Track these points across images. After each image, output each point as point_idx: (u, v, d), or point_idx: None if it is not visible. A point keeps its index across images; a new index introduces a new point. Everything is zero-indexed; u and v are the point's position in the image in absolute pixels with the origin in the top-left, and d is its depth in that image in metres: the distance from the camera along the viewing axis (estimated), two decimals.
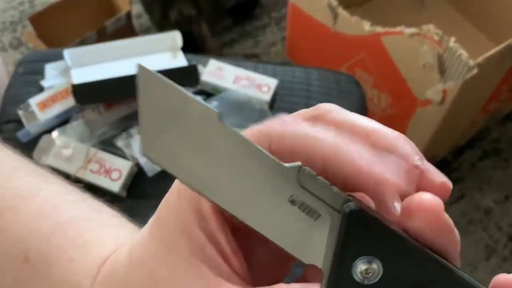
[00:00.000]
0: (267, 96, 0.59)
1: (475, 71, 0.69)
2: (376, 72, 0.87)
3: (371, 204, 0.18)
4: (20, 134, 0.55)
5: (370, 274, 0.16)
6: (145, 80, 0.17)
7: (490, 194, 1.00)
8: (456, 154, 1.04)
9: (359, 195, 0.18)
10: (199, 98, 0.18)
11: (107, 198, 0.53)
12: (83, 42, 0.98)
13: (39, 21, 1.02)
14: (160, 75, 0.17)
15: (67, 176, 0.54)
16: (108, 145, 0.55)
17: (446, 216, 0.16)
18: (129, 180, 0.54)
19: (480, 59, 0.69)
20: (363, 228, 0.16)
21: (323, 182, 0.17)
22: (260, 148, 0.17)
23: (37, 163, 0.26)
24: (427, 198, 0.16)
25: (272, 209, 0.17)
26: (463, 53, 0.68)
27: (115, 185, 0.52)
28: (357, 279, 0.16)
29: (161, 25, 1.08)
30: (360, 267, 0.16)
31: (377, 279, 0.16)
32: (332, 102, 0.65)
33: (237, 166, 0.17)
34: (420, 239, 0.16)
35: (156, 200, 0.61)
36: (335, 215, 0.17)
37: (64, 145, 0.54)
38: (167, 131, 0.17)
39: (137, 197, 0.53)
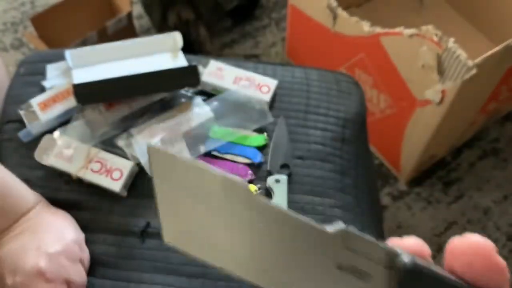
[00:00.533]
0: (267, 97, 0.59)
1: (474, 71, 0.69)
2: (376, 73, 0.87)
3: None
4: (21, 134, 0.55)
5: None
6: (157, 161, 0.15)
7: (489, 194, 1.00)
8: (455, 154, 1.05)
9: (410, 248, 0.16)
10: (220, 171, 0.15)
11: (108, 197, 0.53)
12: (84, 42, 0.99)
13: (40, 21, 1.02)
14: (173, 153, 0.15)
15: (68, 176, 0.54)
16: (109, 145, 0.56)
17: (499, 257, 0.16)
18: (130, 179, 0.54)
19: (479, 59, 0.69)
20: (421, 283, 0.15)
21: (371, 241, 0.15)
22: (300, 216, 0.15)
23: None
24: (477, 239, 0.15)
25: (321, 281, 0.15)
26: (462, 54, 0.68)
27: (116, 185, 0.52)
28: None
29: (160, 28, 1.09)
30: None
31: None
32: (331, 102, 0.66)
33: (277, 241, 0.15)
34: (471, 281, 0.15)
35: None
36: (388, 272, 0.15)
37: (65, 145, 0.54)
38: (190, 212, 0.15)
39: (138, 196, 0.54)
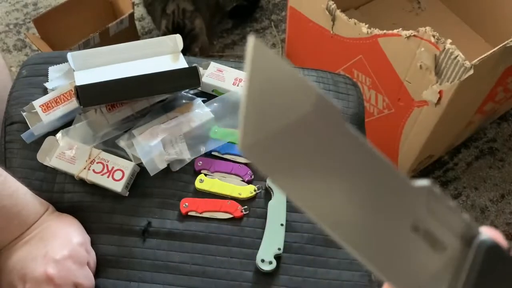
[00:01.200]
0: None
1: (471, 72, 0.70)
2: (374, 74, 0.88)
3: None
4: (24, 136, 0.56)
5: None
6: (257, 55, 0.13)
7: (486, 193, 1.01)
8: (452, 154, 1.05)
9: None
10: (322, 92, 0.13)
11: (110, 197, 0.54)
12: (86, 44, 0.99)
13: (43, 23, 1.02)
14: (276, 55, 0.13)
15: (70, 177, 0.54)
16: (110, 146, 0.56)
17: None
18: (131, 180, 0.55)
19: (476, 60, 0.70)
20: (500, 265, 0.13)
21: (454, 207, 0.14)
22: (387, 160, 0.14)
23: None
24: None
25: (391, 236, 0.14)
26: (460, 55, 0.69)
27: (117, 185, 0.53)
28: None
29: (160, 18, 1.09)
30: None
31: None
32: None
33: (356, 179, 0.13)
34: None
35: (158, 199, 0.62)
36: (463, 250, 0.14)
37: (67, 146, 0.55)
38: (275, 126, 0.13)
39: (139, 196, 0.54)
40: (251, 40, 0.13)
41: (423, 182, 0.14)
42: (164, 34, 1.01)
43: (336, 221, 0.13)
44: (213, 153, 0.57)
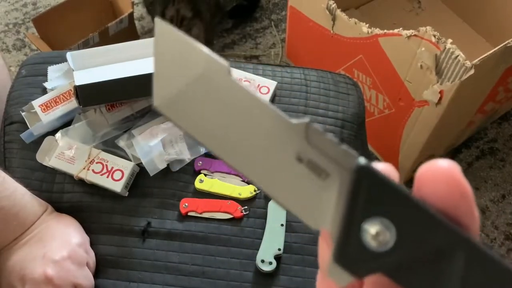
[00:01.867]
0: (266, 97, 0.59)
1: (471, 72, 0.69)
2: (374, 73, 0.87)
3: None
4: (23, 136, 0.56)
5: (381, 238, 0.15)
6: (161, 32, 0.17)
7: (486, 194, 1.00)
8: (453, 154, 1.05)
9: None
10: (211, 52, 0.16)
11: (109, 197, 0.54)
12: (86, 43, 0.99)
13: (42, 23, 1.02)
14: (176, 29, 0.17)
15: (70, 177, 0.54)
16: (110, 146, 0.56)
17: (465, 180, 0.15)
18: (131, 180, 0.54)
19: (476, 60, 0.69)
20: (373, 186, 0.15)
21: (331, 139, 0.16)
22: (268, 103, 0.16)
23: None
24: (443, 162, 0.15)
25: (279, 167, 0.16)
26: (460, 55, 0.69)
27: (117, 185, 0.53)
28: (368, 245, 0.15)
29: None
30: (371, 230, 0.15)
31: (390, 246, 0.15)
32: (330, 103, 0.67)
33: (245, 120, 0.16)
34: (437, 206, 0.15)
35: (157, 199, 0.62)
36: (344, 173, 0.15)
37: (66, 146, 0.54)
38: (179, 84, 0.17)
39: (139, 196, 0.54)
40: (157, 21, 0.17)
41: (302, 120, 0.16)
42: None
43: (231, 151, 0.16)
44: None
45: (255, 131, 0.16)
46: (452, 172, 0.15)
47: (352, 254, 0.15)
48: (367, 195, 0.15)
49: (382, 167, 0.16)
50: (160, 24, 0.17)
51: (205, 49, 0.16)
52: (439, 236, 0.14)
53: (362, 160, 0.15)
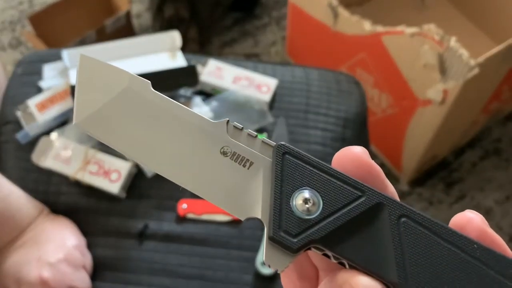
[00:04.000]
0: (266, 97, 0.58)
1: (476, 71, 0.68)
2: (377, 72, 0.86)
3: None
4: (19, 136, 0.55)
5: (310, 204, 0.16)
6: (84, 64, 0.18)
7: (491, 194, 0.99)
8: (457, 154, 1.04)
9: None
10: (129, 71, 0.18)
11: (106, 199, 0.53)
12: (83, 41, 0.98)
13: (39, 20, 1.01)
14: (99, 60, 0.18)
15: (66, 178, 0.53)
16: (107, 146, 0.55)
17: (372, 161, 0.17)
18: (128, 181, 0.53)
19: (481, 58, 0.69)
20: (294, 161, 0.17)
21: (250, 133, 0.18)
22: (189, 109, 0.18)
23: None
24: (352, 148, 0.17)
25: (206, 165, 0.17)
26: (464, 53, 0.68)
27: (114, 187, 0.52)
28: (298, 213, 0.16)
29: (156, 17, 1.08)
30: (299, 200, 0.16)
31: (318, 211, 0.16)
32: (332, 102, 0.65)
33: (171, 127, 0.18)
34: None
35: (155, 201, 0.61)
36: (266, 158, 0.17)
37: (63, 147, 0.54)
38: (100, 102, 0.18)
39: (136, 198, 0.53)
40: (82, 56, 0.18)
41: (222, 120, 0.18)
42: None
43: (158, 160, 0.17)
44: None
45: (181, 136, 0.18)
46: (360, 156, 0.17)
47: (285, 226, 0.16)
48: (290, 169, 0.17)
49: (358, 149, 0.18)
50: (84, 58, 0.18)
51: (128, 71, 0.18)
52: (360, 198, 0.16)
53: (281, 143, 0.17)
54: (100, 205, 0.53)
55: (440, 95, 0.75)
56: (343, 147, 0.17)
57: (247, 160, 0.17)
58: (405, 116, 0.86)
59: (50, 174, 0.54)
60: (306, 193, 0.16)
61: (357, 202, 0.16)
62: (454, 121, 0.84)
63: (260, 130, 0.57)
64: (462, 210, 0.16)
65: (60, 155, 0.53)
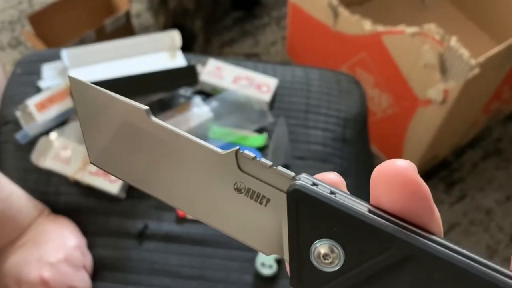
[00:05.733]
0: (267, 97, 0.58)
1: (476, 70, 0.68)
2: (377, 72, 0.86)
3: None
4: (18, 136, 0.55)
5: (329, 260, 0.15)
6: (76, 89, 0.17)
7: (491, 195, 0.99)
8: (457, 154, 1.04)
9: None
10: (126, 99, 0.17)
11: (106, 199, 0.53)
12: (82, 41, 0.98)
13: (38, 20, 1.01)
14: (89, 83, 0.17)
15: (66, 178, 0.53)
16: None
17: (420, 180, 0.14)
18: None
19: (481, 58, 0.68)
20: (312, 208, 0.15)
21: (263, 163, 0.15)
22: (195, 138, 0.16)
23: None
24: (398, 163, 0.14)
25: (221, 201, 0.16)
26: (465, 53, 0.68)
27: (114, 187, 0.52)
28: (318, 266, 0.15)
29: (157, 10, 1.07)
30: (318, 252, 0.15)
31: (340, 265, 0.14)
32: (332, 102, 0.65)
33: (176, 159, 0.16)
34: (395, 211, 0.14)
35: (155, 201, 0.60)
36: (282, 196, 0.15)
37: (62, 147, 0.53)
38: (105, 136, 0.17)
39: (136, 198, 0.53)
40: (70, 78, 0.17)
41: (231, 149, 0.16)
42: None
43: (171, 193, 0.16)
44: None
45: (189, 169, 0.16)
46: (407, 173, 0.14)
47: (305, 278, 0.15)
48: (306, 218, 0.15)
49: (329, 177, 0.16)
50: (73, 81, 0.17)
51: (120, 98, 0.17)
52: (388, 248, 0.14)
53: (297, 182, 0.15)
54: (100, 205, 0.53)
55: (441, 95, 0.75)
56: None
57: (263, 196, 0.15)
58: (405, 116, 0.86)
59: (49, 174, 0.53)
60: (325, 246, 0.15)
61: (383, 256, 0.14)
62: (455, 121, 0.83)
63: (260, 130, 0.57)
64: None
65: (60, 155, 0.53)
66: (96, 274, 0.50)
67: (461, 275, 0.13)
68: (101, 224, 0.52)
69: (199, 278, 0.50)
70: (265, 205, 0.16)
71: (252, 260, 0.50)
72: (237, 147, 0.16)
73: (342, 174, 0.57)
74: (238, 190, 0.16)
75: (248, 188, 0.16)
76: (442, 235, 0.15)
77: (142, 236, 0.51)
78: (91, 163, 0.17)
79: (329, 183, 0.16)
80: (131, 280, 0.50)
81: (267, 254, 0.16)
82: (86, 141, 0.17)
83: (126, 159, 0.17)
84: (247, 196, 0.16)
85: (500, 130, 1.07)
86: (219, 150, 0.16)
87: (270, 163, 0.15)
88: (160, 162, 0.16)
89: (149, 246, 0.51)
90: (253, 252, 0.50)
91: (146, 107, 0.16)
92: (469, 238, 0.94)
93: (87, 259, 0.49)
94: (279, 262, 0.50)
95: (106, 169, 0.17)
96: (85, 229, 0.52)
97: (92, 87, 0.17)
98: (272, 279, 0.50)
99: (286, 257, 0.15)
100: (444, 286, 0.14)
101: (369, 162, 0.64)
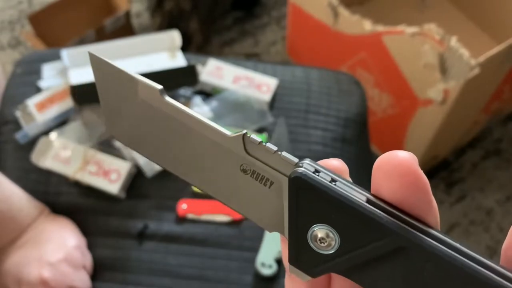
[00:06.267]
0: (266, 96, 0.58)
1: (476, 70, 0.68)
2: (377, 72, 0.86)
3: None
4: (18, 136, 0.55)
5: (325, 244, 0.15)
6: (96, 66, 0.18)
7: (491, 195, 0.99)
8: (457, 154, 1.04)
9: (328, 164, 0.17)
10: (142, 77, 0.18)
11: (106, 199, 0.53)
12: (82, 41, 0.98)
13: (38, 20, 1.01)
14: (107, 60, 0.18)
15: (65, 178, 0.53)
16: (106, 146, 0.55)
17: (420, 171, 0.14)
18: (128, 181, 0.53)
19: (481, 58, 0.68)
20: (311, 195, 0.15)
21: (269, 148, 0.16)
22: (205, 119, 0.17)
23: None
24: (399, 154, 0.15)
25: (228, 179, 0.17)
26: (465, 53, 0.68)
27: (113, 187, 0.52)
28: (314, 248, 0.16)
29: (154, 12, 1.07)
30: (315, 235, 0.16)
31: (334, 249, 0.15)
32: (332, 102, 0.65)
33: (188, 139, 0.17)
34: (393, 201, 0.15)
35: (155, 201, 0.60)
36: (285, 181, 0.16)
37: (62, 147, 0.53)
38: (123, 110, 0.18)
39: (136, 198, 0.53)
40: (90, 54, 0.18)
41: (239, 132, 0.17)
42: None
43: (183, 168, 0.17)
44: None
45: (198, 148, 0.17)
46: (407, 164, 0.14)
47: (303, 257, 0.16)
48: (305, 204, 0.16)
49: (333, 163, 0.16)
50: (93, 57, 0.18)
51: (136, 76, 0.17)
52: (383, 238, 0.15)
53: (300, 169, 0.15)
54: (100, 205, 0.52)
55: (441, 95, 0.75)
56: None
57: (267, 179, 0.16)
58: (405, 116, 0.86)
59: (49, 174, 0.53)
60: (322, 230, 0.15)
61: (376, 245, 0.15)
62: (455, 121, 0.83)
63: (260, 130, 0.57)
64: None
65: (60, 155, 0.53)
66: (96, 274, 0.50)
67: (448, 268, 0.14)
68: (101, 224, 0.52)
69: (199, 278, 0.50)
70: (269, 187, 0.16)
71: (252, 260, 0.50)
72: (245, 131, 0.17)
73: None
74: (244, 171, 0.17)
75: (253, 170, 0.17)
76: (439, 228, 0.15)
77: (142, 236, 0.51)
78: (109, 133, 0.18)
79: (332, 169, 0.16)
80: (131, 280, 0.50)
81: (270, 231, 0.17)
82: (105, 113, 0.18)
83: (141, 133, 0.18)
84: (252, 178, 0.17)
85: (500, 130, 1.07)
86: (228, 133, 0.17)
87: (275, 148, 0.16)
88: (172, 138, 0.17)
89: (149, 246, 0.51)
90: (253, 252, 0.50)
91: (160, 86, 0.17)
92: (469, 238, 0.94)
93: (87, 259, 0.49)
94: (279, 262, 0.50)
95: (121, 140, 0.18)
96: (85, 229, 0.52)
97: (109, 64, 0.17)
98: (272, 279, 0.50)
99: (287, 235, 0.16)
100: (435, 277, 0.14)
101: (369, 162, 0.64)
